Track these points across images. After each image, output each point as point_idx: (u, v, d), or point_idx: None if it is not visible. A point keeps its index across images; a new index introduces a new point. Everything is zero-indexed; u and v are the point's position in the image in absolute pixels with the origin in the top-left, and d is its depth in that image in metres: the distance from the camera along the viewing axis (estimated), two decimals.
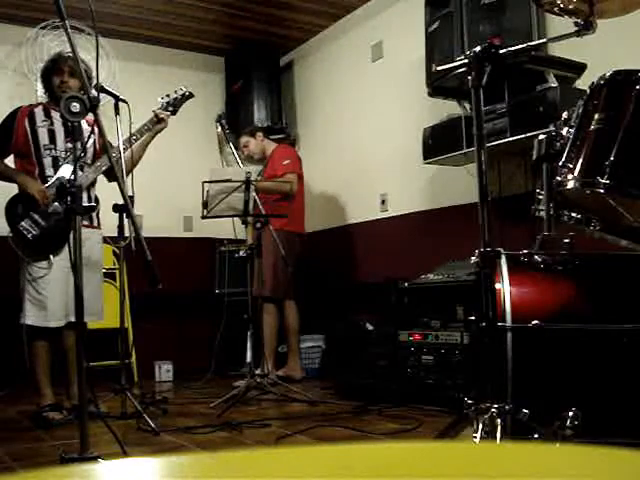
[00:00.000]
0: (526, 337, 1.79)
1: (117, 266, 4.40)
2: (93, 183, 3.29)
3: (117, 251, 3.86)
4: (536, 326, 1.78)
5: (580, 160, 1.79)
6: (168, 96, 3.45)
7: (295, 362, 4.55)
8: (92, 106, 2.07)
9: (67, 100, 2.04)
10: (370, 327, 4.17)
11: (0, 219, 3.18)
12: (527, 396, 1.75)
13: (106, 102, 3.72)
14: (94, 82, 2.51)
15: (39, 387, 3.16)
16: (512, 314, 1.79)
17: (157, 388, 4.48)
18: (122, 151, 3.04)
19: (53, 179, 3.17)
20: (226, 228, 4.71)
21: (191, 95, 3.49)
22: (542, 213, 2.11)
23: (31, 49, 4.83)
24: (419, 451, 0.50)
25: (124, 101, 3.13)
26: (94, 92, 2.22)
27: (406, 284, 3.69)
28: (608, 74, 1.82)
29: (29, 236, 3.09)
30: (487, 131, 3.12)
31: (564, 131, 1.97)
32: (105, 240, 3.50)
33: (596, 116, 1.79)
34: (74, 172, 2.13)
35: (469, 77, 1.81)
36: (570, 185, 1.80)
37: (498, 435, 1.62)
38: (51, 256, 3.10)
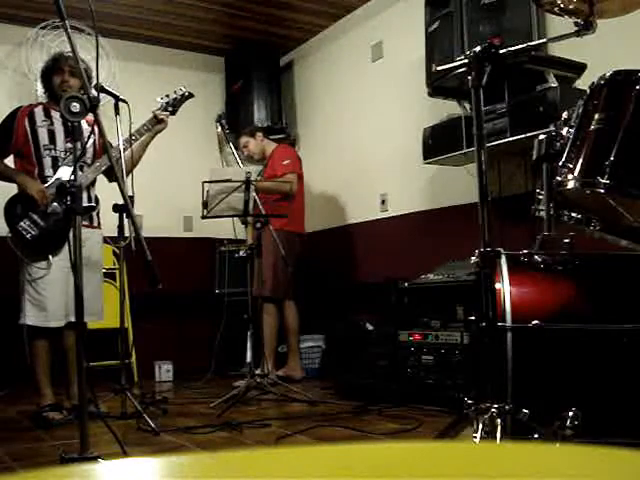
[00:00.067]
0: (526, 337, 1.79)
1: (117, 266, 4.40)
2: (93, 183, 3.29)
3: (117, 251, 3.86)
4: (536, 326, 1.78)
5: (580, 160, 1.79)
6: (167, 96, 3.44)
7: (295, 362, 4.55)
8: (92, 106, 2.07)
9: (67, 100, 2.04)
10: (370, 327, 4.17)
11: (0, 219, 3.18)
12: (527, 396, 1.75)
13: (106, 102, 3.72)
14: (94, 82, 2.51)
15: (39, 387, 3.16)
16: (512, 314, 1.79)
17: (157, 388, 4.48)
18: (122, 151, 3.04)
19: (52, 180, 3.17)
20: (226, 228, 4.71)
21: (191, 95, 3.49)
22: (542, 213, 2.11)
23: (31, 49, 4.83)
24: (419, 451, 0.50)
25: (124, 101, 3.13)
26: (94, 92, 2.22)
27: (406, 284, 3.69)
28: (608, 74, 1.82)
29: (28, 236, 3.09)
30: (487, 131, 3.12)
31: (564, 131, 1.97)
32: (105, 240, 3.50)
33: (596, 116, 1.79)
34: (74, 172, 2.13)
35: (469, 77, 1.81)
36: (570, 185, 1.80)
37: (498, 435, 1.62)
38: (50, 256, 3.10)
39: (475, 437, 1.66)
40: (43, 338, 3.15)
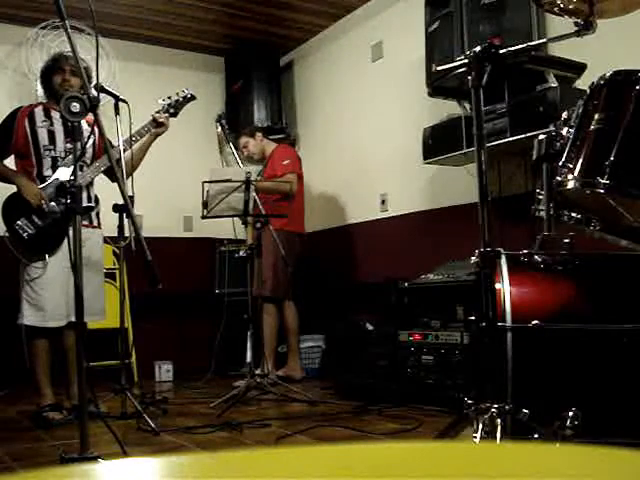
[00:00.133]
0: (526, 337, 1.79)
1: (117, 266, 4.40)
2: (91, 182, 3.29)
3: (117, 251, 3.86)
4: (536, 326, 1.78)
5: (580, 160, 1.79)
6: (169, 98, 3.42)
7: (295, 362, 4.55)
8: (92, 106, 2.07)
9: (67, 100, 2.04)
10: (370, 327, 4.17)
11: None
12: (527, 396, 1.75)
13: (106, 102, 3.72)
14: (94, 82, 2.51)
15: (39, 387, 3.16)
16: (512, 314, 1.79)
17: (157, 388, 4.48)
18: (122, 151, 3.04)
19: (50, 180, 3.17)
20: (226, 228, 4.71)
21: (193, 97, 3.47)
22: (542, 213, 2.11)
23: (31, 49, 4.83)
24: (419, 451, 0.50)
25: (124, 101, 3.13)
26: (94, 92, 2.22)
27: (406, 284, 3.69)
28: (608, 74, 1.82)
29: (25, 235, 3.09)
30: (487, 131, 3.12)
31: (564, 131, 1.97)
32: (105, 240, 3.49)
33: (596, 116, 1.79)
34: (74, 172, 2.13)
35: (469, 77, 1.81)
36: (570, 185, 1.80)
37: (498, 435, 1.62)
38: (47, 256, 3.10)
39: (475, 437, 1.66)
40: (42, 338, 3.15)
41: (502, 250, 1.87)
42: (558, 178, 1.86)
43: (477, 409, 1.67)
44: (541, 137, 2.12)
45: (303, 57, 5.66)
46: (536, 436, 1.66)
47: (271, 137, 4.97)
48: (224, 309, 4.66)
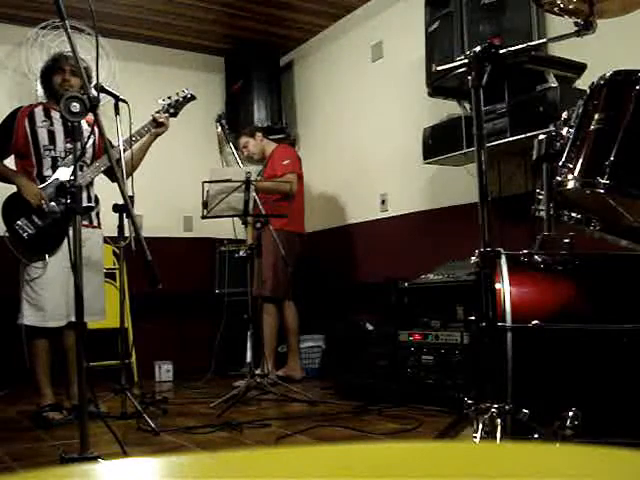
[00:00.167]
0: (526, 337, 1.79)
1: (117, 266, 4.40)
2: (91, 182, 3.29)
3: (117, 251, 3.86)
4: (536, 326, 1.78)
5: (580, 160, 1.79)
6: (169, 98, 3.42)
7: (295, 362, 4.55)
8: (92, 106, 2.07)
9: (67, 100, 2.04)
10: (370, 327, 4.17)
11: None
12: (527, 396, 1.75)
13: (106, 102, 3.72)
14: (94, 82, 2.51)
15: (39, 387, 3.16)
16: (512, 314, 1.79)
17: (157, 388, 4.48)
18: (122, 151, 3.04)
19: (50, 180, 3.17)
20: (226, 228, 4.71)
21: (193, 97, 3.47)
22: (542, 213, 2.11)
23: (31, 49, 4.83)
24: (419, 451, 0.50)
25: (124, 101, 3.13)
26: (94, 92, 2.22)
27: (406, 284, 3.69)
28: (608, 74, 1.82)
29: (25, 235, 3.09)
30: (487, 131, 3.12)
31: (564, 131, 1.97)
32: (105, 240, 3.49)
33: (596, 116, 1.79)
34: (74, 172, 2.13)
35: (469, 77, 1.81)
36: (570, 185, 1.80)
37: (498, 435, 1.62)
38: (47, 256, 3.10)
39: (475, 437, 1.66)
40: (42, 338, 3.15)
41: (502, 250, 1.87)
42: (558, 178, 1.86)
43: (477, 409, 1.67)
44: (541, 137, 2.12)
45: (303, 57, 5.66)
46: (536, 436, 1.66)
47: (271, 137, 4.97)
48: (224, 309, 4.66)
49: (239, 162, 4.18)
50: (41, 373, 3.16)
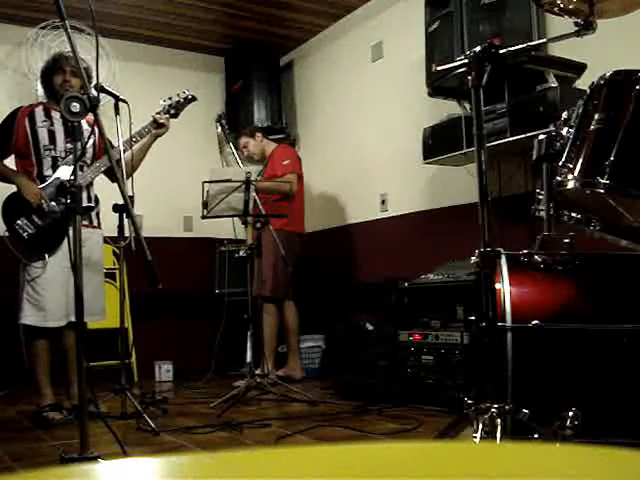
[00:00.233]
0: (526, 337, 1.79)
1: (117, 266, 4.40)
2: (91, 183, 3.29)
3: (117, 251, 3.86)
4: (536, 326, 1.78)
5: (580, 160, 1.79)
6: (170, 99, 3.42)
7: (295, 362, 4.55)
8: (92, 106, 2.07)
9: (67, 100, 2.04)
10: (370, 327, 4.17)
11: None
12: (527, 396, 1.75)
13: (106, 102, 3.72)
14: (94, 82, 2.51)
15: (39, 387, 3.16)
16: (512, 314, 1.79)
17: (157, 388, 4.48)
18: (122, 151, 3.04)
19: (52, 178, 3.17)
20: (226, 228, 4.71)
21: (194, 98, 3.47)
22: (542, 213, 2.11)
23: (31, 49, 4.83)
24: (419, 451, 0.50)
25: (124, 101, 3.13)
26: (94, 92, 2.22)
27: (406, 284, 3.69)
28: (608, 74, 1.82)
29: (25, 235, 3.09)
30: (487, 131, 3.12)
31: (564, 131, 1.97)
32: (105, 240, 3.49)
33: (596, 116, 1.79)
34: (74, 172, 2.13)
35: (469, 77, 1.81)
36: (570, 185, 1.80)
37: (498, 435, 1.62)
38: (47, 256, 3.10)
39: (475, 437, 1.66)
40: (43, 338, 3.15)
41: (502, 250, 1.87)
42: (558, 178, 1.86)
43: (477, 409, 1.67)
44: (541, 137, 2.12)
45: (303, 57, 5.66)
46: (536, 436, 1.66)
47: (271, 137, 4.97)
48: (224, 309, 4.66)
49: (239, 162, 4.18)
50: (41, 373, 3.16)
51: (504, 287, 1.83)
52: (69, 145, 3.22)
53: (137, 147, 3.32)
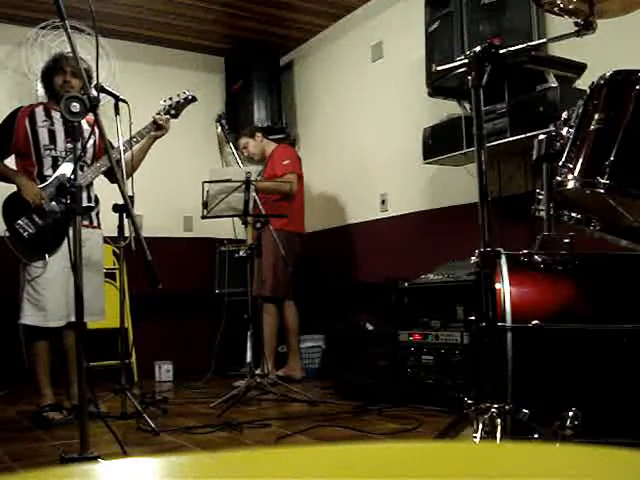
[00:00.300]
0: (526, 337, 1.79)
1: (117, 266, 4.40)
2: (91, 183, 3.29)
3: (117, 251, 3.86)
4: (536, 326, 1.78)
5: (580, 160, 1.79)
6: (171, 99, 3.42)
7: (295, 362, 4.55)
8: (92, 106, 2.07)
9: (67, 100, 2.04)
10: (370, 327, 4.17)
11: None
12: (527, 396, 1.75)
13: (106, 102, 3.72)
14: (94, 82, 2.51)
15: (39, 387, 3.16)
16: (512, 314, 1.79)
17: (157, 388, 4.48)
18: (122, 152, 3.04)
19: (52, 177, 3.17)
20: (226, 228, 4.71)
21: (194, 99, 3.47)
22: (542, 213, 2.11)
23: (31, 49, 4.83)
24: (419, 451, 0.50)
25: (124, 101, 3.13)
26: (94, 92, 2.22)
27: (406, 284, 3.69)
28: (608, 74, 1.82)
29: (25, 234, 3.09)
30: (487, 131, 3.12)
31: (564, 131, 1.97)
32: (105, 240, 3.50)
33: (596, 116, 1.79)
34: (74, 172, 2.13)
35: (469, 77, 1.81)
36: (570, 185, 1.80)
37: (498, 435, 1.62)
38: (47, 255, 3.10)
39: (475, 437, 1.66)
40: (43, 338, 3.15)
41: (502, 250, 1.87)
42: (558, 178, 1.86)
43: (477, 409, 1.67)
44: (541, 137, 2.12)
45: (303, 57, 5.66)
46: (536, 436, 1.66)
47: (271, 137, 4.97)
48: (224, 309, 4.66)
49: (239, 162, 4.18)
50: (41, 373, 3.16)
51: (504, 287, 1.83)
52: (69, 145, 3.22)
53: (137, 147, 3.32)
